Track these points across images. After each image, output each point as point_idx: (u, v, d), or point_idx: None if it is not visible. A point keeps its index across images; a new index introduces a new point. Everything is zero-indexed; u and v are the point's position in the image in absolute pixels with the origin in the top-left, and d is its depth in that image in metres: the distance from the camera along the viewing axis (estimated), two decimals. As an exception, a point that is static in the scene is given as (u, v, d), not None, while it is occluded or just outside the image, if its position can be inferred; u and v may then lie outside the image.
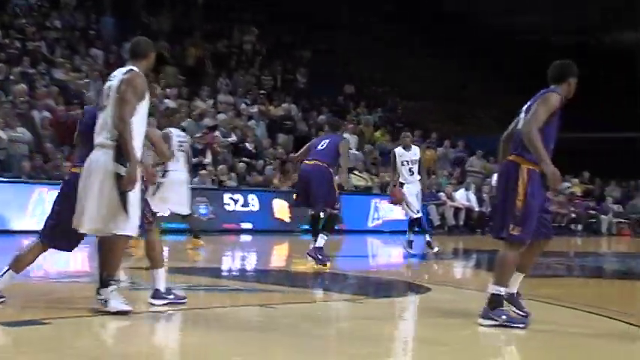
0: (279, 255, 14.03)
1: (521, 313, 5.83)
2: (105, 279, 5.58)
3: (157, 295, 6.02)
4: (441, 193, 20.82)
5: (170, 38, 23.18)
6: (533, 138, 5.48)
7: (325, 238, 9.67)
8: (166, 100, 19.59)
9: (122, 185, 5.38)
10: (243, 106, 21.61)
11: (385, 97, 28.03)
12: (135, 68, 5.64)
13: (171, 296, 6.10)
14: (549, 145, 5.68)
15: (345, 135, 10.91)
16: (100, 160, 5.45)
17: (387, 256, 13.87)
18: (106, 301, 5.52)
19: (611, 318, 6.26)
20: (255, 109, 21.67)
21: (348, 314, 6.69)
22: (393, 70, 30.06)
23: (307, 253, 9.68)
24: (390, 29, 32.53)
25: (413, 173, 11.95)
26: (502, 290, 5.67)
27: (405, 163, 11.97)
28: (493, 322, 5.56)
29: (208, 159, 18.04)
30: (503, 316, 5.59)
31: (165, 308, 5.91)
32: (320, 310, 6.70)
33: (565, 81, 5.84)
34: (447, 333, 5.56)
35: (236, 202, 17.23)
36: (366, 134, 23.32)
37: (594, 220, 24.69)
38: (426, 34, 31.90)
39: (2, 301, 5.73)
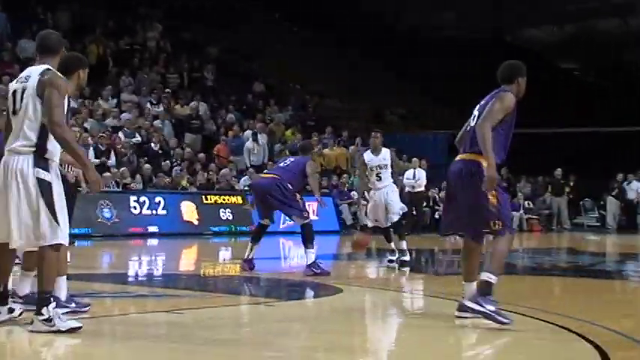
0: (187, 259, 13.91)
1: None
2: (42, 296, 5.18)
3: (58, 303, 5.88)
4: (354, 192, 21.03)
5: (69, 35, 22.65)
6: (485, 134, 5.61)
7: (312, 251, 9.47)
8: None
9: (92, 190, 5.46)
10: (147, 105, 21.33)
11: (295, 95, 28.11)
12: (50, 67, 5.31)
13: (73, 304, 5.97)
14: (505, 144, 5.86)
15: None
16: (17, 167, 5.15)
17: (300, 257, 13.92)
18: (50, 320, 5.12)
19: (521, 314, 6.44)
20: (160, 108, 21.42)
21: (257, 318, 6.70)
22: (301, 67, 30.19)
23: (305, 274, 9.33)
24: (297, 27, 32.70)
25: (381, 179, 10.73)
26: (493, 278, 5.74)
27: (375, 168, 10.83)
28: (479, 308, 5.64)
29: (112, 160, 17.75)
30: (491, 307, 5.64)
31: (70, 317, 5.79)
32: (229, 315, 6.68)
33: (514, 81, 6.02)
34: (357, 333, 5.62)
35: (142, 205, 16.99)
36: (277, 133, 23.34)
37: (505, 217, 25.32)
38: (334, 32, 32.14)
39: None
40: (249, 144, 21.23)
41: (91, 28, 23.57)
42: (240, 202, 18.05)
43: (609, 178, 25.66)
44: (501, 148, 5.87)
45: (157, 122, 20.67)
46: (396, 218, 10.70)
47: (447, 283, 9.38)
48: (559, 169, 24.85)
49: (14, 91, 5.30)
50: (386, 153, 10.90)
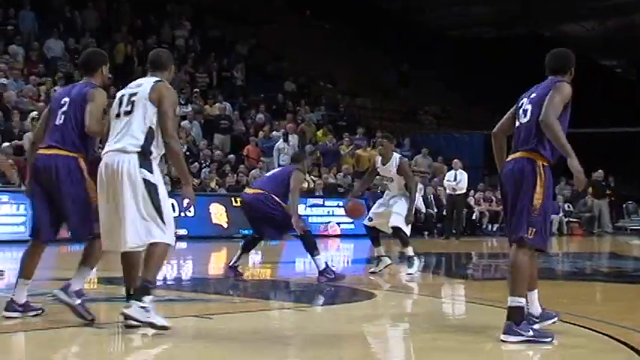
0: (217, 262, 13.96)
1: (554, 320, 5.84)
2: (146, 285, 5.43)
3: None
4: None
5: (96, 34, 22.88)
6: (555, 127, 5.36)
7: (319, 257, 9.29)
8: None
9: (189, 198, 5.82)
10: (176, 105, 21.45)
11: (326, 95, 28.11)
12: (163, 79, 5.77)
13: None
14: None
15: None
16: (124, 168, 5.42)
17: (330, 261, 13.93)
18: (147, 310, 5.32)
19: (562, 321, 6.38)
20: (189, 108, 21.54)
21: (286, 323, 6.70)
22: (332, 66, 30.20)
23: (320, 282, 9.17)
24: (327, 24, 32.73)
25: (390, 190, 10.32)
26: (522, 301, 5.44)
27: (383, 177, 10.54)
28: (519, 338, 5.33)
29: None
30: (530, 332, 5.39)
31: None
32: (258, 320, 6.69)
33: (567, 71, 5.73)
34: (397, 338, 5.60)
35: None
36: (308, 134, 23.35)
37: (544, 220, 25.12)
38: (363, 30, 32.14)
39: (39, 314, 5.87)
40: (279, 144, 21.24)
41: (118, 26, 23.79)
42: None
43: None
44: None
45: (185, 123, 20.78)
46: (397, 224, 10.00)
47: (484, 290, 9.32)
48: (600, 170, 24.59)
49: (121, 96, 5.67)
50: (392, 163, 10.18)
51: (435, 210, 21.07)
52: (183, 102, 21.77)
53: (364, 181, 11.09)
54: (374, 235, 10.32)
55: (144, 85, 5.66)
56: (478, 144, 25.28)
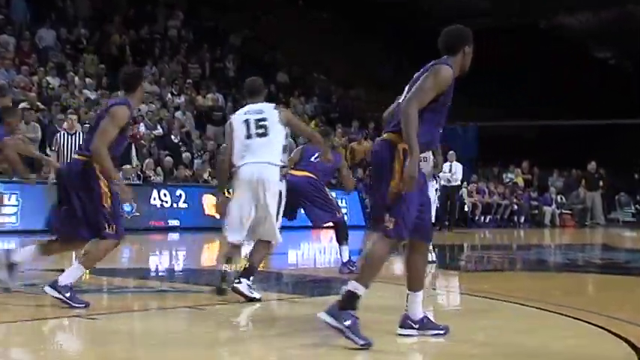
0: (209, 254, 13.96)
1: (440, 331, 5.25)
2: (251, 267, 6.79)
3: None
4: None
5: (89, 24, 22.79)
6: (410, 117, 4.85)
7: (346, 248, 9.16)
8: (85, 91, 19.30)
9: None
10: (169, 96, 21.40)
11: (319, 86, 28.07)
12: (283, 108, 7.23)
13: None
14: (437, 128, 5.17)
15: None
16: (271, 179, 6.71)
17: (321, 253, 13.94)
18: (251, 288, 6.69)
19: (554, 312, 6.40)
20: (181, 99, 21.49)
21: (279, 314, 6.71)
22: (325, 57, 30.14)
23: (341, 272, 8.98)
24: (324, 15, 32.64)
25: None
26: (361, 291, 4.92)
27: None
28: (334, 322, 4.84)
29: (133, 153, 17.83)
30: (347, 322, 4.83)
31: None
32: (250, 311, 6.69)
33: (460, 50, 5.14)
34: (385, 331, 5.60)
35: (163, 198, 17.07)
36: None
37: (537, 212, 25.23)
38: (360, 22, 32.07)
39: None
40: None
41: (111, 16, 23.70)
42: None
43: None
44: (428, 130, 5.05)
45: (178, 114, 20.74)
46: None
47: (475, 280, 9.35)
48: (593, 162, 24.65)
49: (246, 120, 6.84)
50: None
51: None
52: (175, 93, 21.74)
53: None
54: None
55: (267, 111, 6.88)
56: (472, 136, 25.32)
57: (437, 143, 5.56)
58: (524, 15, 32.34)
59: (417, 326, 5.22)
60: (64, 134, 14.07)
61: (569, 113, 29.34)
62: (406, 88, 5.17)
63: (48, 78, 19.06)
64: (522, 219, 24.58)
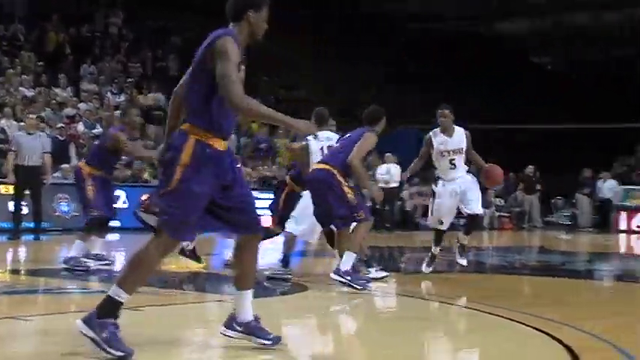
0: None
1: (267, 341, 4.84)
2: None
3: None
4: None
5: (26, 22, 22.38)
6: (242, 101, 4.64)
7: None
8: (21, 88, 18.97)
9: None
10: (108, 95, 21.15)
11: (263, 86, 27.98)
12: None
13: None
14: (230, 115, 4.74)
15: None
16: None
17: (264, 254, 13.90)
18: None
19: (490, 314, 6.49)
20: (122, 98, 21.25)
21: (220, 315, 6.70)
22: (270, 57, 30.05)
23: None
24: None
25: (455, 167, 9.39)
26: (124, 297, 4.55)
27: (446, 153, 9.31)
28: (89, 333, 4.46)
29: (71, 152, 17.58)
30: (104, 334, 4.42)
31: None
32: (191, 312, 6.66)
33: (243, 17, 4.76)
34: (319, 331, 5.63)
35: (102, 198, 16.83)
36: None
37: (476, 215, 25.50)
38: (307, 19, 32.07)
39: None
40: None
41: (49, 14, 23.28)
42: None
43: (580, 175, 25.92)
44: (225, 113, 4.69)
45: (117, 113, 20.49)
46: (478, 210, 9.49)
47: (405, 281, 9.42)
48: (530, 166, 25.07)
49: (323, 139, 8.87)
50: (461, 134, 9.33)
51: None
52: (115, 91, 21.48)
53: (420, 158, 9.69)
54: (438, 236, 9.78)
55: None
56: (412, 138, 25.47)
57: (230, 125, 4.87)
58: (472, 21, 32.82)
59: (241, 329, 4.84)
60: (23, 134, 14.07)
61: (507, 117, 29.78)
62: (190, 69, 4.81)
63: (-15, 76, 18.70)
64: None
